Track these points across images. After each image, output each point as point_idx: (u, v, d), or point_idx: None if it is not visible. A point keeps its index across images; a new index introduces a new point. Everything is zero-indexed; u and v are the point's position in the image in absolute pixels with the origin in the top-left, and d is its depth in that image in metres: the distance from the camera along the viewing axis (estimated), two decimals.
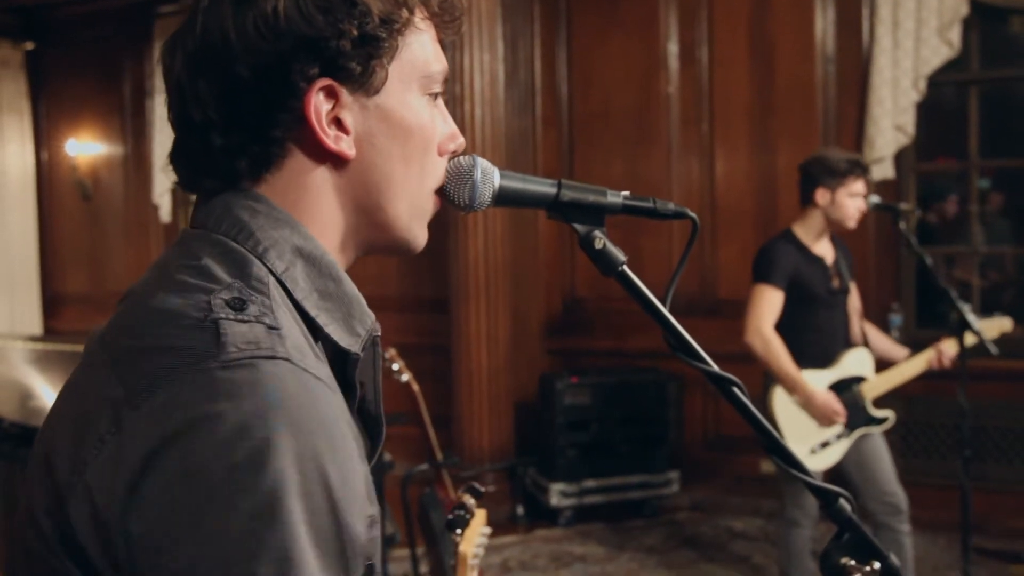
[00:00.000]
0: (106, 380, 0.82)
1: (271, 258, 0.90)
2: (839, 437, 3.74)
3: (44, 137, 8.76)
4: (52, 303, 8.69)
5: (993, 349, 3.83)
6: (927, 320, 5.67)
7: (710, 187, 5.86)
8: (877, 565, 1.08)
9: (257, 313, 0.83)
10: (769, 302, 3.70)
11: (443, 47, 1.03)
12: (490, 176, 1.04)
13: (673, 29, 5.93)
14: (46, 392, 4.03)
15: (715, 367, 1.07)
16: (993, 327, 3.84)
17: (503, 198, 1.05)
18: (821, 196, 3.71)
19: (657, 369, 5.72)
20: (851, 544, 1.09)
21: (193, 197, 1.00)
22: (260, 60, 0.90)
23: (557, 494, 5.46)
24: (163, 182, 7.87)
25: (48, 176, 8.77)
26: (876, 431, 3.82)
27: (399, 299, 6.64)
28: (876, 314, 5.37)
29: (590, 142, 6.21)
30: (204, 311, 0.82)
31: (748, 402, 1.09)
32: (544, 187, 1.06)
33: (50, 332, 8.42)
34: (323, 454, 0.77)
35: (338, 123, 0.94)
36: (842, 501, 1.09)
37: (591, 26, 6.18)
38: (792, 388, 3.67)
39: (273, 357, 0.79)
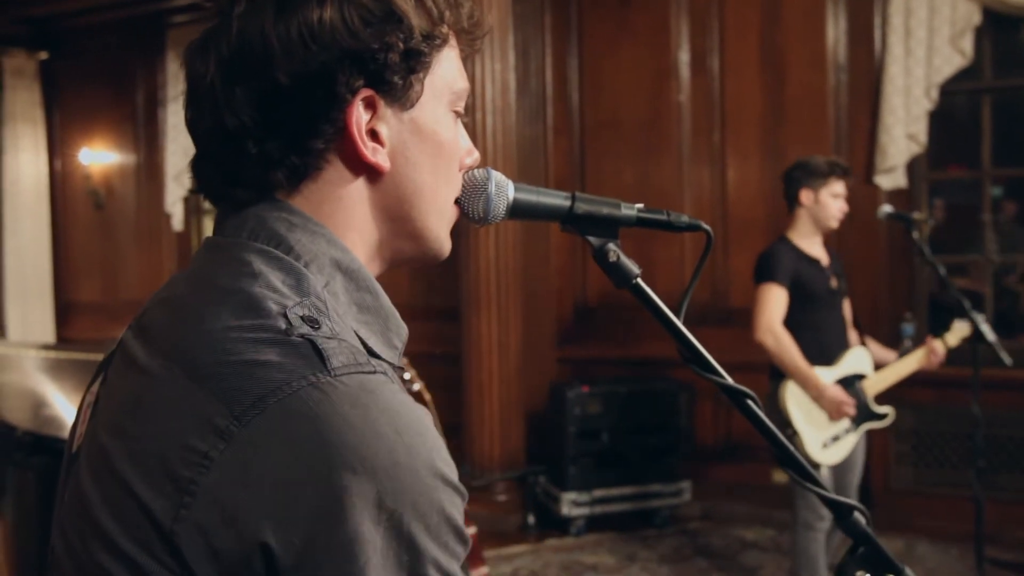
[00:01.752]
0: (191, 396, 0.80)
1: (312, 271, 0.90)
2: (848, 432, 3.85)
3: (57, 146, 8.81)
4: (65, 311, 8.72)
5: (1007, 359, 3.84)
6: (940, 329, 5.64)
7: (721, 196, 5.86)
8: None
9: (331, 332, 0.83)
10: (775, 300, 3.81)
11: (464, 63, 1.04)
12: (504, 189, 1.04)
13: (684, 38, 5.93)
14: (59, 400, 4.04)
15: (729, 379, 1.07)
16: (958, 332, 4.02)
17: (517, 211, 1.05)
18: (805, 196, 3.88)
19: (668, 378, 5.71)
20: (866, 558, 1.08)
21: (206, 204, 0.99)
22: (303, 68, 0.88)
23: (568, 503, 5.45)
24: (175, 191, 7.90)
25: (61, 185, 8.81)
26: (880, 425, 3.98)
27: (410, 307, 6.63)
28: (889, 323, 5.36)
29: (601, 151, 6.22)
30: (287, 326, 0.82)
31: (762, 414, 1.08)
32: (558, 200, 1.06)
33: (63, 340, 8.45)
34: (437, 452, 0.80)
35: (374, 135, 0.94)
36: (856, 514, 1.09)
37: (602, 35, 6.18)
38: (804, 382, 3.75)
39: (374, 372, 0.81)
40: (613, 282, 1.07)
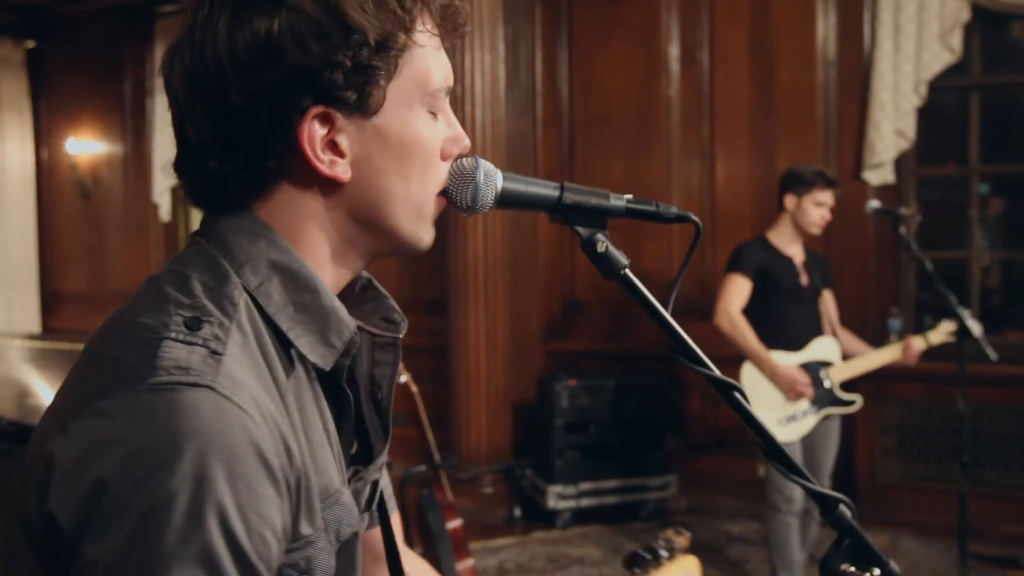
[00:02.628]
0: (72, 381, 0.88)
1: (246, 274, 0.93)
2: (805, 413, 3.99)
3: (44, 135, 8.76)
4: (51, 301, 8.68)
5: (992, 354, 3.88)
6: (927, 325, 5.66)
7: (710, 190, 5.86)
8: (877, 571, 1.08)
9: (207, 336, 0.86)
10: (736, 288, 4.04)
11: (449, 52, 1.04)
12: (493, 178, 1.04)
13: (674, 32, 5.93)
14: (44, 390, 4.03)
15: (716, 371, 1.07)
16: (940, 332, 4.13)
17: (505, 200, 1.05)
18: (789, 201, 4.07)
19: (656, 372, 5.72)
20: (851, 550, 1.08)
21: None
22: (253, 89, 0.90)
23: (555, 496, 5.45)
24: (163, 181, 7.87)
25: (48, 174, 8.77)
26: (843, 412, 4.11)
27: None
28: (876, 319, 5.37)
29: (591, 144, 6.21)
30: (162, 327, 0.86)
31: (749, 407, 1.08)
32: (547, 190, 1.06)
33: (49, 330, 8.42)
34: (218, 480, 0.79)
35: (333, 147, 0.95)
36: (842, 507, 1.09)
37: (592, 28, 6.18)
38: (758, 362, 3.95)
39: (197, 385, 0.82)
40: (601, 273, 1.07)
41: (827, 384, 4.04)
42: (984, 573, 4.52)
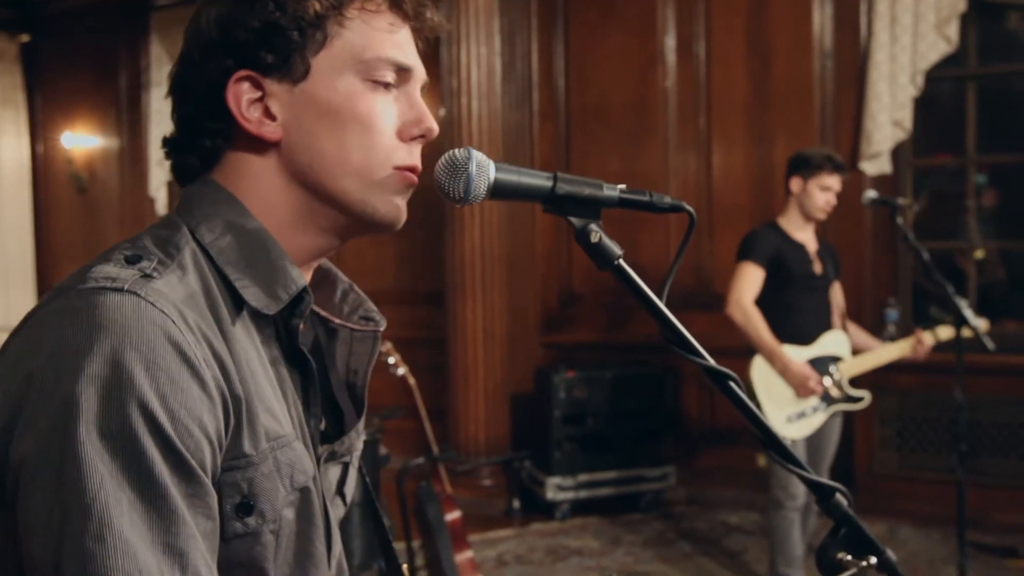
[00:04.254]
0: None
1: (202, 230, 1.00)
2: (815, 410, 3.91)
3: (40, 130, 8.75)
4: None
5: (990, 344, 3.87)
6: (924, 315, 5.67)
7: (707, 182, 5.86)
8: (873, 560, 1.08)
9: (143, 266, 0.92)
10: (749, 278, 3.92)
11: (428, 41, 1.11)
12: (485, 169, 1.03)
13: (671, 24, 5.92)
14: None
15: (711, 361, 1.06)
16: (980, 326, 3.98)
17: (498, 191, 1.05)
18: (795, 184, 3.97)
19: (654, 363, 5.72)
20: (847, 539, 1.08)
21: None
22: (196, 60, 1.03)
23: (553, 488, 5.46)
24: (159, 175, 7.86)
25: (44, 169, 8.75)
26: (852, 408, 4.03)
27: (395, 292, 6.63)
28: (873, 309, 5.38)
29: (587, 136, 6.20)
30: (101, 263, 0.92)
31: (744, 396, 1.08)
32: (540, 180, 1.06)
33: None
34: (136, 368, 0.84)
35: (266, 111, 1.03)
36: (838, 496, 1.09)
37: (588, 20, 6.16)
38: (770, 356, 3.85)
39: (121, 290, 0.88)
40: (595, 263, 1.06)
41: (837, 379, 3.96)
42: (982, 562, 4.53)
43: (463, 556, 3.50)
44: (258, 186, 1.04)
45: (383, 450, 3.68)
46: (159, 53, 7.74)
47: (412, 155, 1.08)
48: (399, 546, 4.22)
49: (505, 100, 5.87)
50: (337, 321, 1.18)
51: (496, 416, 5.78)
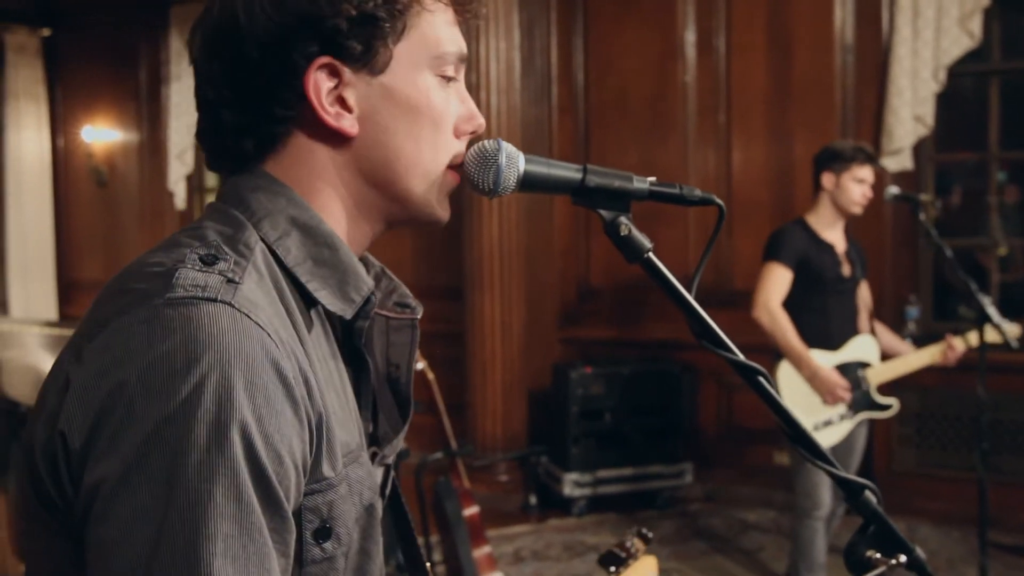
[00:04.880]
0: (85, 318, 0.89)
1: (265, 228, 0.94)
2: (842, 418, 3.80)
3: (60, 124, 8.79)
4: (67, 289, 8.72)
5: (1014, 343, 3.82)
6: (944, 312, 5.63)
7: (726, 177, 5.83)
8: (903, 558, 1.07)
9: (223, 268, 0.86)
10: (777, 280, 3.79)
11: (462, 31, 1.05)
12: (515, 161, 1.03)
13: (690, 17, 5.89)
14: None
15: (741, 356, 1.05)
16: (1013, 331, 3.89)
17: (528, 183, 1.04)
18: (827, 180, 3.82)
19: (671, 359, 5.70)
20: (876, 537, 1.08)
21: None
22: (264, 38, 0.94)
23: (570, 484, 5.45)
24: (178, 169, 7.88)
25: (64, 163, 8.79)
26: (880, 416, 3.92)
27: (413, 286, 6.52)
28: (893, 306, 5.34)
29: (606, 131, 6.19)
30: (177, 262, 0.86)
31: (774, 392, 1.07)
32: (570, 172, 1.05)
33: (65, 318, 8.46)
34: (237, 388, 0.78)
35: (341, 101, 0.97)
36: (867, 493, 1.07)
37: (608, 14, 6.14)
38: (798, 363, 3.72)
39: (215, 300, 0.82)
40: (624, 256, 1.05)
41: (864, 387, 3.84)
42: (1002, 562, 4.50)
43: (481, 551, 3.50)
44: (321, 180, 0.99)
45: (402, 444, 3.68)
46: (179, 47, 7.77)
47: (462, 151, 1.05)
48: (417, 541, 4.23)
49: (524, 94, 5.86)
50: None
51: (513, 411, 5.78)
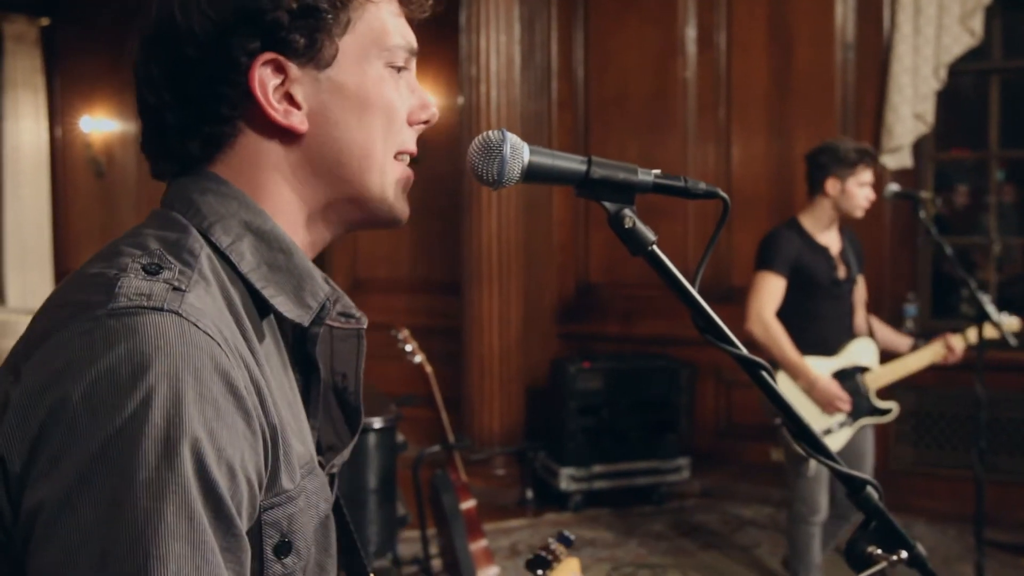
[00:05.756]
0: (23, 334, 0.85)
1: (216, 233, 0.91)
2: (841, 425, 3.72)
3: (58, 113, 8.77)
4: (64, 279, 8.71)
5: (1012, 340, 3.81)
6: (942, 310, 5.64)
7: (726, 173, 5.82)
8: (904, 554, 1.07)
9: (167, 277, 0.83)
10: (770, 289, 3.69)
11: (411, 23, 1.03)
12: (519, 152, 1.02)
13: (691, 13, 5.88)
14: None
15: (744, 350, 1.05)
16: (1011, 324, 3.85)
17: (532, 174, 1.03)
18: (832, 186, 3.69)
19: (669, 355, 5.70)
20: (878, 533, 1.08)
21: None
22: (203, 37, 0.91)
23: (567, 479, 5.45)
24: None
25: (62, 153, 8.78)
26: (880, 421, 3.83)
27: (411, 281, 6.63)
28: (891, 304, 5.34)
29: (606, 126, 6.18)
30: (119, 271, 0.82)
31: (776, 386, 1.07)
32: (574, 164, 1.04)
33: None
34: (187, 402, 0.75)
35: (289, 98, 0.94)
36: (869, 489, 1.07)
37: (608, 9, 6.13)
38: (795, 374, 3.64)
39: (160, 309, 0.79)
40: (628, 249, 1.05)
41: (864, 392, 3.76)
42: (998, 560, 4.51)
43: (478, 545, 3.50)
44: (273, 180, 0.96)
45: (400, 437, 3.68)
46: None
47: (414, 141, 1.04)
48: (414, 534, 4.23)
49: (524, 89, 5.85)
50: None
51: (511, 406, 5.78)
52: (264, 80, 0.92)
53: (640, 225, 1.04)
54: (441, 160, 5.59)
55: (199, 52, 0.91)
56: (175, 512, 0.73)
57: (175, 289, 0.81)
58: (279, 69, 0.93)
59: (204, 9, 0.90)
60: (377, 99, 0.98)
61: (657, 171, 1.07)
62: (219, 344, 0.80)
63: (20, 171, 8.58)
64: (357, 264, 6.81)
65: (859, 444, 3.82)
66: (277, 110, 0.93)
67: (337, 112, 0.96)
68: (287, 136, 0.95)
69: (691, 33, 5.89)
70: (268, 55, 0.92)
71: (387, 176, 1.00)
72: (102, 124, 8.44)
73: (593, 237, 6.17)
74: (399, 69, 1.00)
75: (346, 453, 1.09)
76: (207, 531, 0.75)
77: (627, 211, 1.04)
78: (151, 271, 0.83)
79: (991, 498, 4.30)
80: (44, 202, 8.70)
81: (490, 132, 1.02)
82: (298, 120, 0.95)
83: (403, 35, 1.00)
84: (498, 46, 5.63)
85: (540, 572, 1.74)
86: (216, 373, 0.78)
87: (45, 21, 8.60)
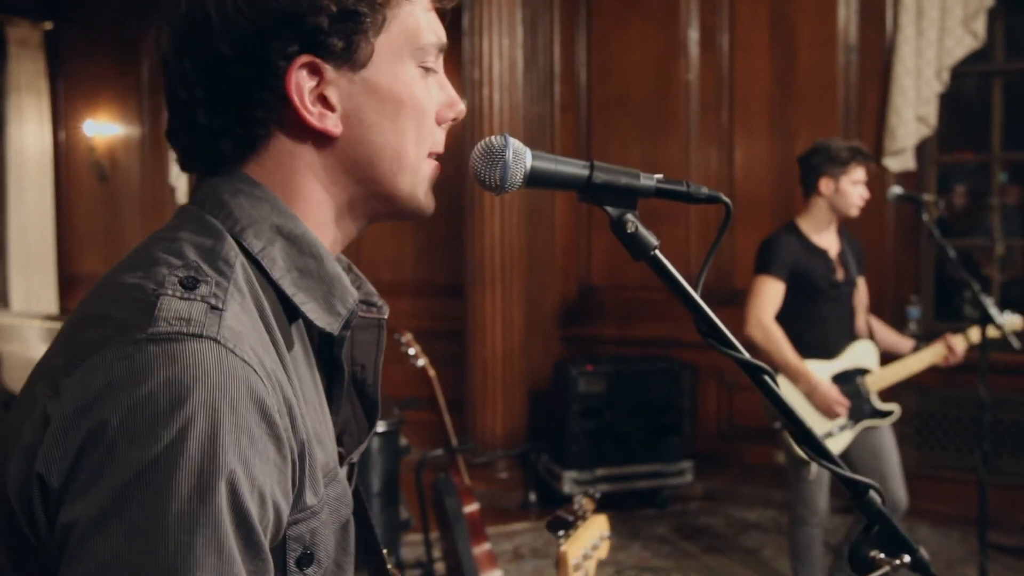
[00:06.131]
0: (56, 347, 0.85)
1: (248, 237, 0.91)
2: (842, 428, 3.71)
3: (62, 117, 8.79)
4: (68, 282, 8.72)
5: (1015, 343, 3.80)
6: (945, 312, 5.63)
7: (728, 175, 5.82)
8: (907, 558, 1.07)
9: (205, 293, 0.83)
10: (769, 293, 3.69)
11: (442, 16, 1.02)
12: (522, 157, 1.02)
13: (694, 15, 5.88)
14: None
15: (746, 355, 1.05)
16: (1013, 323, 3.83)
17: (534, 179, 1.03)
18: (825, 185, 3.69)
19: (671, 358, 5.70)
20: (881, 537, 1.07)
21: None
22: (239, 37, 0.89)
23: (569, 482, 5.45)
24: None
25: (65, 156, 8.79)
26: (881, 424, 3.80)
27: (414, 283, 6.63)
28: (894, 306, 5.34)
29: (608, 128, 6.18)
30: (157, 286, 0.82)
31: (778, 390, 1.07)
32: (576, 169, 1.04)
33: (66, 311, 8.45)
34: (223, 433, 0.76)
35: (323, 100, 0.94)
36: (872, 493, 1.07)
37: (611, 11, 6.14)
38: (795, 378, 3.63)
39: (200, 336, 0.79)
40: (631, 254, 1.05)
41: (864, 394, 3.74)
42: (1002, 563, 4.50)
43: (481, 548, 3.50)
44: (305, 182, 0.96)
45: (403, 441, 3.68)
46: None
47: (443, 139, 1.04)
48: (417, 537, 4.23)
49: (526, 92, 5.85)
50: None
51: (513, 408, 5.78)
52: (300, 84, 0.92)
53: (642, 230, 1.04)
54: (444, 163, 5.55)
55: (234, 51, 0.90)
56: (204, 545, 0.74)
57: (213, 308, 0.82)
58: (315, 71, 0.92)
59: (241, 8, 0.89)
60: (409, 101, 0.97)
61: (659, 176, 1.07)
62: (255, 368, 0.81)
63: (24, 175, 8.60)
64: (360, 267, 6.62)
65: (879, 447, 3.79)
66: (312, 113, 0.93)
67: (371, 114, 0.96)
68: (321, 138, 0.95)
69: (693, 35, 5.89)
70: (305, 58, 0.91)
71: (418, 176, 1.01)
72: (105, 128, 8.46)
73: (595, 240, 6.17)
74: (427, 70, 1.00)
75: (364, 445, 1.10)
76: (236, 561, 0.76)
77: (629, 216, 1.04)
78: (188, 285, 0.83)
79: (995, 501, 4.29)
80: (48, 206, 8.71)
81: (493, 137, 1.02)
82: (332, 123, 0.94)
83: (435, 31, 1.00)
84: (501, 49, 5.64)
85: (561, 533, 1.70)
86: (252, 402, 0.79)
87: (48, 25, 8.62)
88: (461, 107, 1.04)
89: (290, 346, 0.91)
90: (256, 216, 0.92)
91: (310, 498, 0.88)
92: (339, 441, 1.04)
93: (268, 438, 0.80)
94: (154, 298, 0.81)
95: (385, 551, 1.17)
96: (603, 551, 1.88)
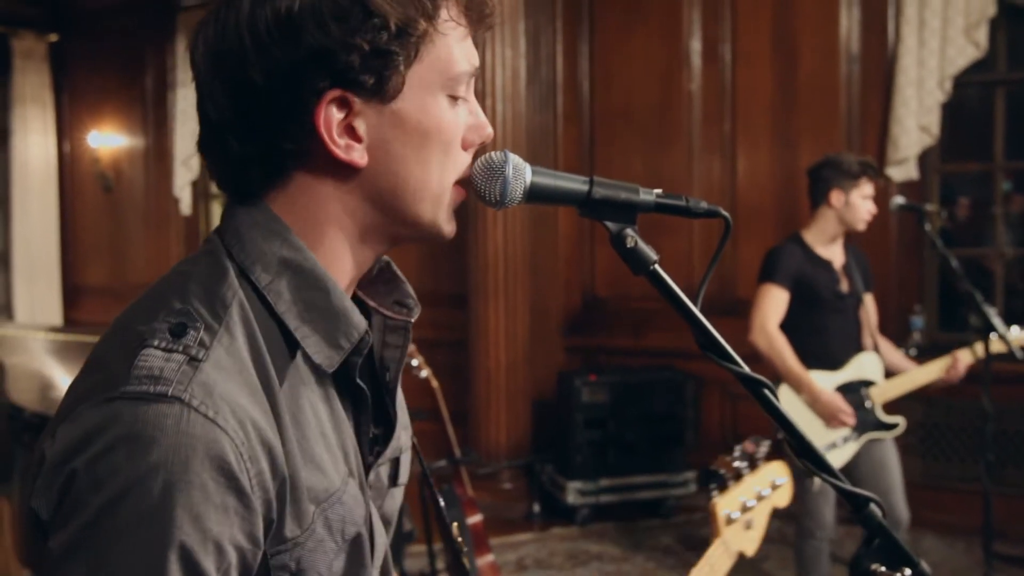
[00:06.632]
0: (74, 381, 0.90)
1: (257, 271, 0.93)
2: (846, 440, 3.69)
3: (66, 129, 8.82)
4: (73, 294, 8.74)
5: (1020, 354, 3.79)
6: (949, 323, 5.62)
7: (731, 186, 5.83)
8: (908, 572, 1.07)
9: (189, 343, 0.86)
10: (772, 301, 3.69)
11: (475, 42, 1.02)
12: (522, 172, 1.02)
13: (696, 26, 5.90)
14: (66, 382, 4.04)
15: (746, 368, 1.05)
16: (1020, 339, 3.81)
17: (534, 195, 1.03)
18: (836, 198, 3.70)
19: (675, 368, 5.70)
20: (881, 550, 1.07)
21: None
22: (272, 68, 0.90)
23: (574, 492, 5.44)
24: (184, 175, 7.90)
25: (70, 168, 8.82)
26: (886, 436, 3.79)
27: (417, 293, 6.49)
28: (898, 317, 5.33)
29: (611, 139, 6.19)
30: (148, 334, 0.86)
31: (778, 404, 1.07)
32: (576, 184, 1.04)
33: (70, 323, 8.47)
34: (174, 491, 0.80)
35: (351, 131, 0.94)
36: (872, 506, 1.07)
37: (614, 22, 6.15)
38: (797, 386, 3.63)
39: (165, 396, 0.82)
40: (630, 268, 1.05)
41: (868, 406, 3.72)
42: (1008, 574, 4.48)
43: (484, 560, 3.50)
44: (325, 212, 0.97)
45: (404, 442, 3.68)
46: (186, 54, 7.72)
47: (469, 163, 1.03)
48: (420, 548, 4.22)
49: (529, 103, 5.86)
50: (372, 304, 1.10)
51: (517, 419, 5.77)
52: (329, 117, 0.92)
53: (642, 245, 1.04)
54: None
55: (266, 81, 0.90)
56: None
57: (191, 360, 0.85)
58: (344, 104, 0.93)
59: (276, 40, 0.90)
60: (436, 133, 0.97)
61: (659, 191, 1.07)
62: (222, 428, 0.83)
63: (29, 186, 8.63)
64: None
65: (880, 458, 3.78)
66: (339, 145, 0.93)
67: (397, 146, 0.96)
68: (345, 169, 0.95)
69: (696, 46, 5.91)
70: (335, 92, 0.92)
71: (440, 204, 1.00)
72: (110, 139, 8.48)
73: (599, 250, 6.17)
74: (455, 99, 0.99)
75: (396, 445, 1.10)
76: None
77: (629, 231, 1.04)
78: (176, 333, 0.86)
79: (999, 511, 4.28)
80: (52, 217, 8.73)
81: (493, 153, 1.02)
82: (358, 155, 0.95)
83: (468, 59, 0.99)
84: (503, 60, 5.65)
85: (713, 486, 1.66)
86: (208, 459, 0.82)
87: (54, 37, 8.66)
88: (488, 131, 1.04)
89: (284, 376, 0.92)
90: (266, 249, 0.94)
91: (291, 530, 0.90)
92: (374, 439, 1.07)
93: (227, 490, 0.83)
94: (138, 349, 0.85)
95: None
96: (780, 498, 1.86)
